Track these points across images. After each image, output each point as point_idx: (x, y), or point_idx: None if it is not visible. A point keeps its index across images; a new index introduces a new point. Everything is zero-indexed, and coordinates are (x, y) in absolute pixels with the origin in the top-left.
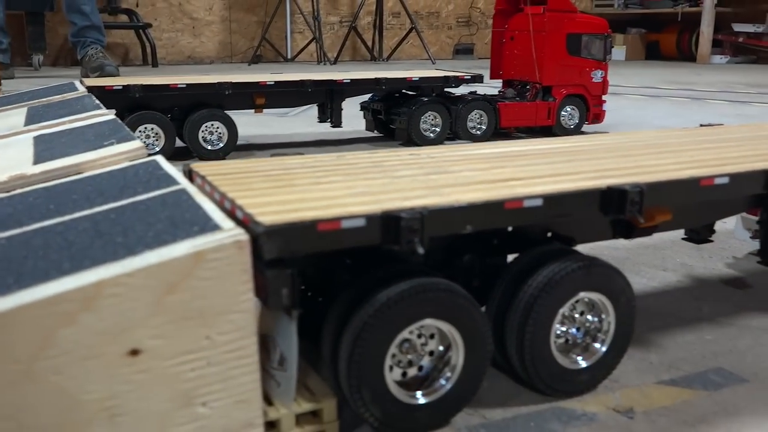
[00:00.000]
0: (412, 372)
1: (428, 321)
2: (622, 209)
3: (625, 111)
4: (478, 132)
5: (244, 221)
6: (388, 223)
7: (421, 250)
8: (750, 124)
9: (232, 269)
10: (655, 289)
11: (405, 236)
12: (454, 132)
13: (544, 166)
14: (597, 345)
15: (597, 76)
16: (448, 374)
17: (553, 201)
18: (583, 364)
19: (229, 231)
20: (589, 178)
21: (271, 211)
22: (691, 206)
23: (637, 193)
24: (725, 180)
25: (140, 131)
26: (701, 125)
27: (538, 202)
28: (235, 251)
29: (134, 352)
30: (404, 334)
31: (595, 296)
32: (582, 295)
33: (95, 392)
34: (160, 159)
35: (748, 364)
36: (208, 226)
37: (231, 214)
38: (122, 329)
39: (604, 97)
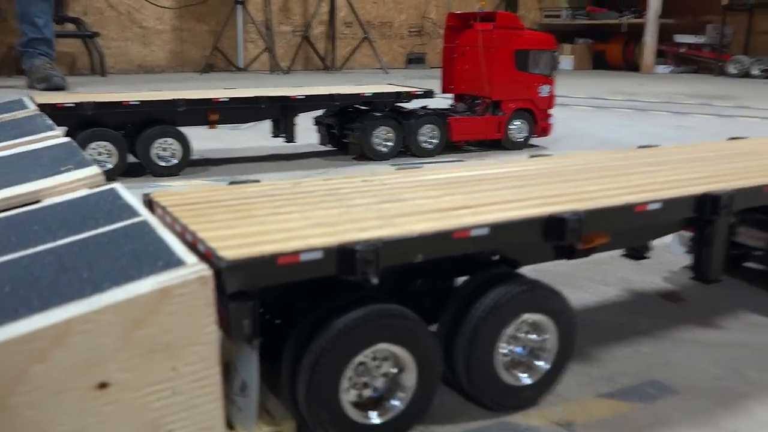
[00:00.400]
0: (367, 393)
1: (382, 345)
2: (562, 236)
3: (572, 122)
4: (430, 146)
5: (207, 255)
6: (344, 255)
7: (375, 281)
8: (685, 145)
9: (197, 303)
10: (596, 304)
11: (360, 267)
12: (407, 146)
13: (492, 192)
14: (540, 363)
15: (544, 90)
16: (401, 395)
17: (498, 229)
18: (527, 380)
19: (193, 266)
20: (533, 205)
21: (232, 244)
22: (628, 229)
23: (575, 221)
24: (658, 206)
25: (92, 148)
26: (639, 147)
27: (485, 231)
28: (199, 286)
29: (103, 385)
30: (359, 358)
31: (537, 317)
32: (525, 316)
33: (66, 425)
34: (119, 187)
35: (681, 377)
36: (171, 260)
37: (193, 246)
38: (91, 364)
39: (551, 110)
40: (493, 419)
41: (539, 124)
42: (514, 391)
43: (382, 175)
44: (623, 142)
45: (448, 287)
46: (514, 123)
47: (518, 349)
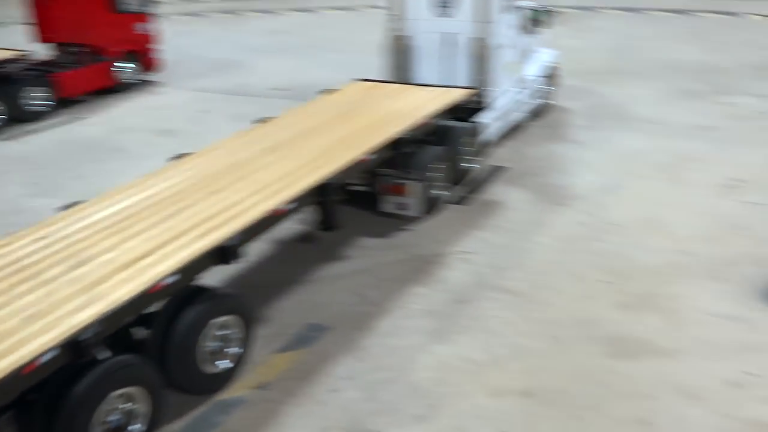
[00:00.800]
0: (114, 427)
1: (117, 392)
2: (228, 257)
3: (176, 42)
4: (41, 108)
5: None
6: (72, 346)
7: (103, 355)
8: (289, 115)
9: None
10: (256, 262)
11: (88, 350)
12: (14, 114)
13: (160, 226)
14: (233, 349)
15: (143, 27)
16: (140, 419)
17: (182, 272)
18: (226, 365)
19: None
20: (200, 235)
21: None
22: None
23: (236, 244)
24: (293, 204)
25: None
26: (254, 121)
27: (173, 279)
28: None
29: None
30: (102, 407)
31: (225, 318)
32: (216, 320)
33: None
34: None
35: (329, 313)
36: None
37: None
38: None
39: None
40: (209, 403)
41: (147, 61)
42: (219, 376)
43: (53, 225)
44: (228, 62)
45: (151, 315)
46: (122, 66)
47: (216, 344)
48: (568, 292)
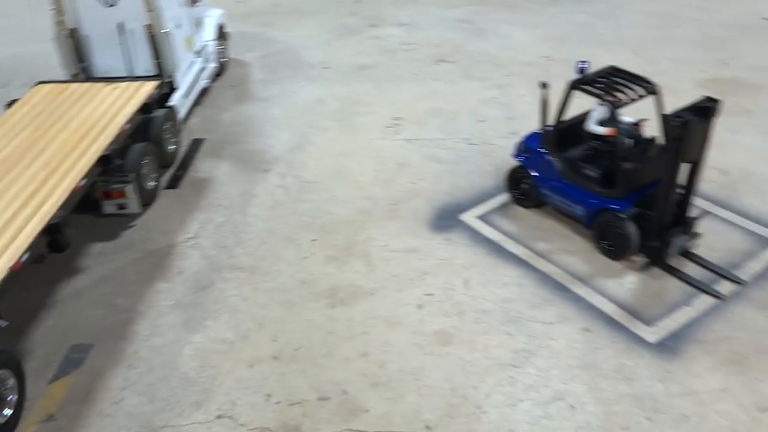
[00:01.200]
0: None
1: None
2: None
3: None
4: None
5: None
6: None
7: None
8: None
9: None
10: None
11: None
12: None
13: None
14: (11, 396)
15: None
16: None
17: None
18: (9, 412)
19: None
20: None
21: None
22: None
23: None
24: (27, 254)
25: None
26: None
27: None
28: None
29: None
30: None
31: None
32: None
33: None
34: None
35: (87, 330)
36: None
37: None
38: None
39: None
40: None
41: None
42: (6, 423)
43: None
44: None
45: None
46: None
47: None
48: (287, 257)
